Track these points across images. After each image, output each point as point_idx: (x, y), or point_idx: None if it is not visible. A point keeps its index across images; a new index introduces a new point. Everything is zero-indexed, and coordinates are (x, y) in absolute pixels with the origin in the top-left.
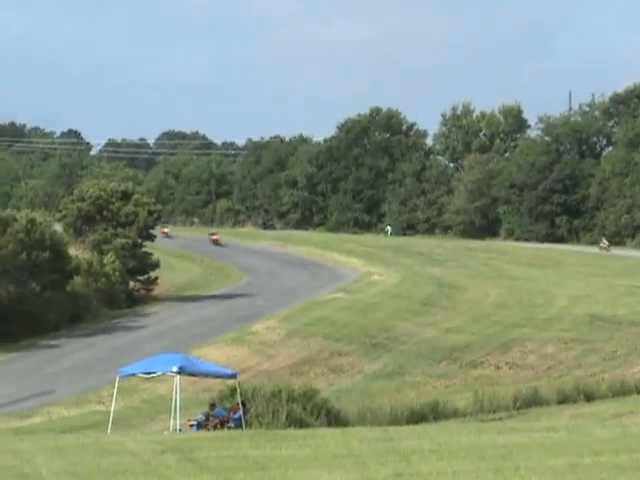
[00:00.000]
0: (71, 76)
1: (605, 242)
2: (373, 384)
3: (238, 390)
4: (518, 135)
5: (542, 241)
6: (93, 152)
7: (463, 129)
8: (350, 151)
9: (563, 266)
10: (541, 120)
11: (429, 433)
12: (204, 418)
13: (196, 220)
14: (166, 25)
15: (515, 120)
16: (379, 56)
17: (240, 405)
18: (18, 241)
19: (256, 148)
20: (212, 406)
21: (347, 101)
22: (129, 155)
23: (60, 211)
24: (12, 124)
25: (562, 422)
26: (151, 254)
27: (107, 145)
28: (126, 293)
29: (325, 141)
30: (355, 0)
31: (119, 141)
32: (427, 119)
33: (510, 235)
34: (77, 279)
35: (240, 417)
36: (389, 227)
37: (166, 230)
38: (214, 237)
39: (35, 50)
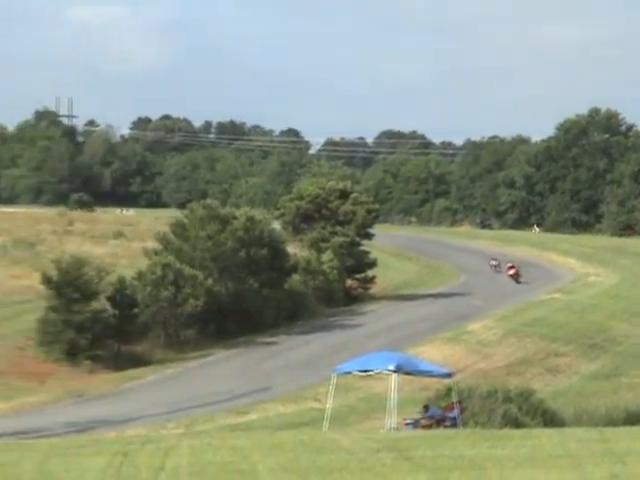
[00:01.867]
0: (293, 76)
1: None
2: (589, 385)
3: (454, 389)
4: None
5: None
6: (312, 151)
7: None
8: (568, 151)
9: None
10: None
11: None
12: (417, 420)
13: (413, 219)
14: (387, 26)
15: None
16: (601, 57)
17: (456, 404)
18: (237, 239)
19: (475, 148)
20: (425, 408)
21: (566, 101)
22: (347, 154)
23: (279, 209)
24: (232, 122)
25: None
26: (369, 253)
27: (326, 144)
28: (343, 291)
29: (543, 141)
30: (578, 1)
31: (338, 140)
32: None
33: None
34: (295, 277)
35: (456, 416)
36: None
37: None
38: (511, 271)
39: (258, 51)
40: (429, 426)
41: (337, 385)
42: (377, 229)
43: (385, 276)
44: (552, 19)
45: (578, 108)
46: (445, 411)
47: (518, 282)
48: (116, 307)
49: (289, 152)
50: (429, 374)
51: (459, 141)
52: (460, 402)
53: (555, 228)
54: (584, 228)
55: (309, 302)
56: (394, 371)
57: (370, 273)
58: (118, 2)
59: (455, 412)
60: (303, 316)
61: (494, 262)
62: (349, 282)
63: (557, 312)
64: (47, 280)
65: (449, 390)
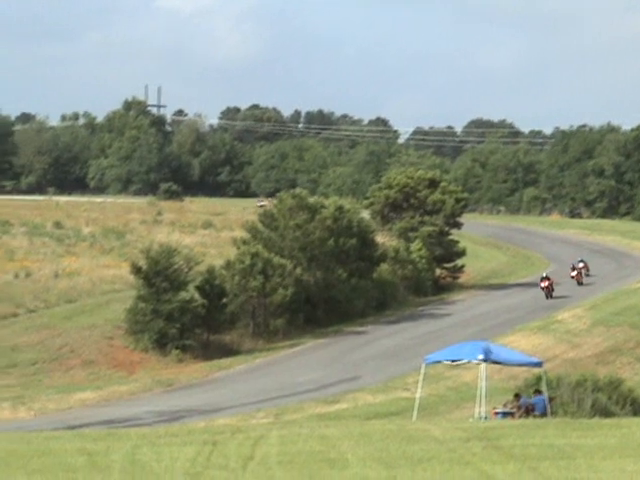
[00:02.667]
0: (382, 66)
1: None
2: None
3: (544, 379)
4: None
5: None
6: (400, 140)
7: None
8: None
9: None
10: None
11: None
12: (508, 411)
13: (502, 209)
14: (477, 16)
15: None
16: None
17: (543, 392)
18: (326, 228)
19: (564, 137)
20: (516, 396)
21: None
22: (436, 143)
23: (367, 198)
24: (321, 112)
25: None
26: (458, 242)
27: (414, 133)
28: (432, 281)
29: (633, 130)
30: None
31: (426, 129)
32: None
33: None
34: (384, 266)
35: (542, 400)
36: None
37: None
38: (544, 283)
39: (347, 40)
40: (519, 416)
41: (426, 374)
42: (466, 218)
43: (474, 265)
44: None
45: None
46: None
47: (550, 297)
48: (205, 297)
49: (377, 141)
50: (518, 363)
51: (548, 130)
52: (539, 391)
53: None
54: None
55: (398, 291)
56: (483, 360)
57: (459, 262)
58: None
59: (540, 397)
60: (392, 305)
61: (581, 264)
62: (438, 271)
63: None
64: (136, 269)
65: (538, 379)
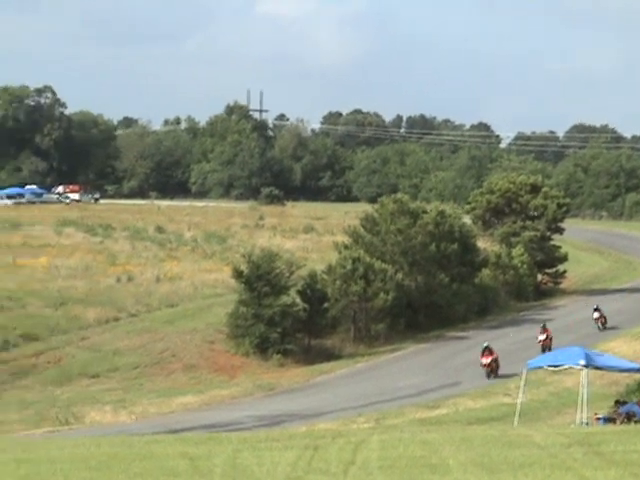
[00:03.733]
0: (485, 70)
1: None
2: None
3: None
4: None
5: None
6: (502, 145)
7: None
8: None
9: None
10: None
11: None
12: (610, 416)
13: (604, 214)
14: (579, 18)
15: None
16: None
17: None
18: (427, 233)
19: None
20: (617, 403)
21: None
22: (538, 148)
23: (469, 203)
24: (422, 117)
25: None
26: (559, 247)
27: (516, 138)
28: (534, 286)
29: None
30: None
31: (528, 134)
32: None
33: None
34: (485, 271)
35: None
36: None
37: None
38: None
39: (450, 45)
40: (621, 422)
41: (528, 380)
42: (567, 223)
43: (576, 270)
44: None
45: None
46: (637, 405)
47: (493, 375)
48: (306, 301)
49: (479, 146)
50: (620, 369)
51: None
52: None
53: None
54: None
55: (499, 297)
56: (585, 366)
57: (561, 267)
58: None
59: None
60: (493, 311)
61: (597, 314)
62: (539, 277)
63: None
64: (238, 274)
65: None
